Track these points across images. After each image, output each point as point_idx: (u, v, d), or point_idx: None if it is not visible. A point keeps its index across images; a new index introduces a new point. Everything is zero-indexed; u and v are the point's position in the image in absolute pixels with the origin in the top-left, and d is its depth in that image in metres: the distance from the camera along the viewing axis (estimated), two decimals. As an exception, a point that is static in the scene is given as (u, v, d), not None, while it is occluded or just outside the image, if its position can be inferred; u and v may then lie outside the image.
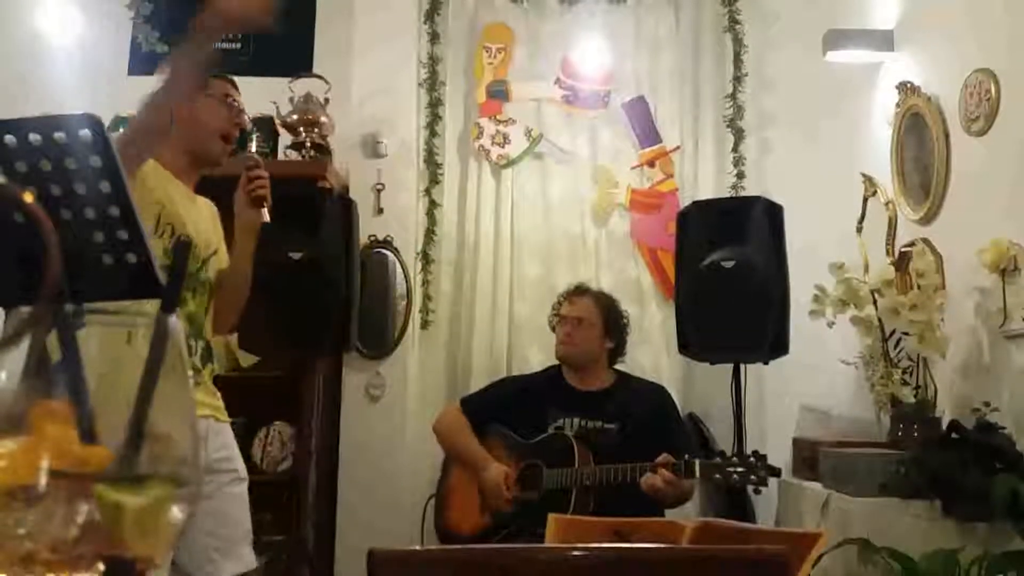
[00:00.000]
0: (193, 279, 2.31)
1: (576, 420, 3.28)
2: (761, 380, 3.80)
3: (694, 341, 3.38)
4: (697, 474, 2.90)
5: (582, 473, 3.11)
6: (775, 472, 2.91)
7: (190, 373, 1.73)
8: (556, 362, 3.50)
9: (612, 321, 3.43)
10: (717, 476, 2.88)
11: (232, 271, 2.42)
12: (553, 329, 3.52)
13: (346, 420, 3.88)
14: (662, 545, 1.31)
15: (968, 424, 2.69)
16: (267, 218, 2.38)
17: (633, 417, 3.26)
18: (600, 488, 3.07)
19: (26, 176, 1.22)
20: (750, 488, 2.96)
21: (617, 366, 3.49)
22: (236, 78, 3.20)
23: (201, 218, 2.39)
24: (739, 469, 2.85)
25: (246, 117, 2.50)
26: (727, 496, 3.47)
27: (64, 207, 1.22)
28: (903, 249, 3.25)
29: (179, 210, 2.28)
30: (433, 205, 4.08)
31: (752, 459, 2.87)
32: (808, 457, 3.24)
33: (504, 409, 3.40)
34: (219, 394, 2.39)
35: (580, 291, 3.50)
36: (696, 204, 3.64)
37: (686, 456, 2.94)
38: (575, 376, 3.41)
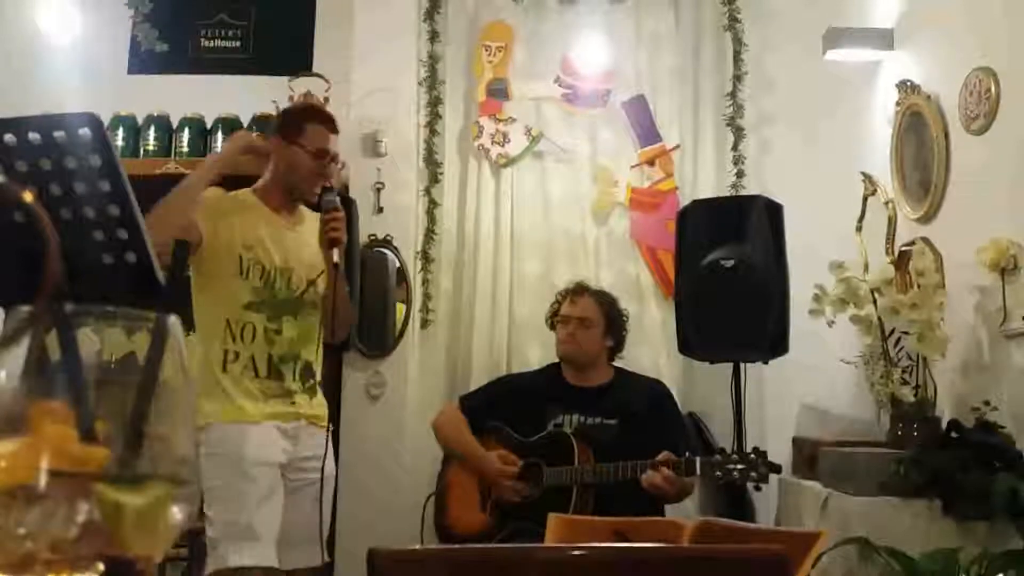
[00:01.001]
0: (295, 304, 2.63)
1: (575, 417, 3.29)
2: (761, 379, 3.80)
3: (694, 340, 3.38)
4: (698, 471, 2.91)
5: (582, 471, 3.11)
6: (775, 468, 2.91)
7: (292, 391, 2.32)
8: (555, 359, 3.51)
9: (613, 320, 3.43)
10: (717, 474, 2.89)
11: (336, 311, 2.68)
12: (552, 327, 3.53)
13: (346, 419, 3.88)
14: (662, 544, 1.31)
15: (968, 423, 2.69)
16: (337, 259, 2.62)
17: (632, 413, 3.26)
18: (600, 485, 3.08)
19: (26, 175, 1.22)
20: (750, 485, 2.96)
21: (617, 363, 3.50)
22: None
23: (299, 246, 2.67)
24: (739, 466, 2.86)
25: (336, 168, 2.80)
26: (727, 495, 3.47)
27: (64, 206, 1.22)
28: (903, 248, 3.24)
29: (267, 247, 2.61)
30: (433, 204, 4.08)
31: (752, 456, 2.87)
32: (808, 456, 3.24)
33: (503, 407, 3.40)
34: (324, 404, 2.73)
35: (581, 290, 3.50)
36: (696, 203, 3.64)
37: (686, 454, 2.95)
38: (574, 373, 3.41)
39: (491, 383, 3.68)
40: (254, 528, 2.45)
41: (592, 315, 3.39)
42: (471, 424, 3.40)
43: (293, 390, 2.63)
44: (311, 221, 2.71)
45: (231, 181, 2.72)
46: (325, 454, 2.62)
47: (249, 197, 2.69)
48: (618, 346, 3.46)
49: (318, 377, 2.73)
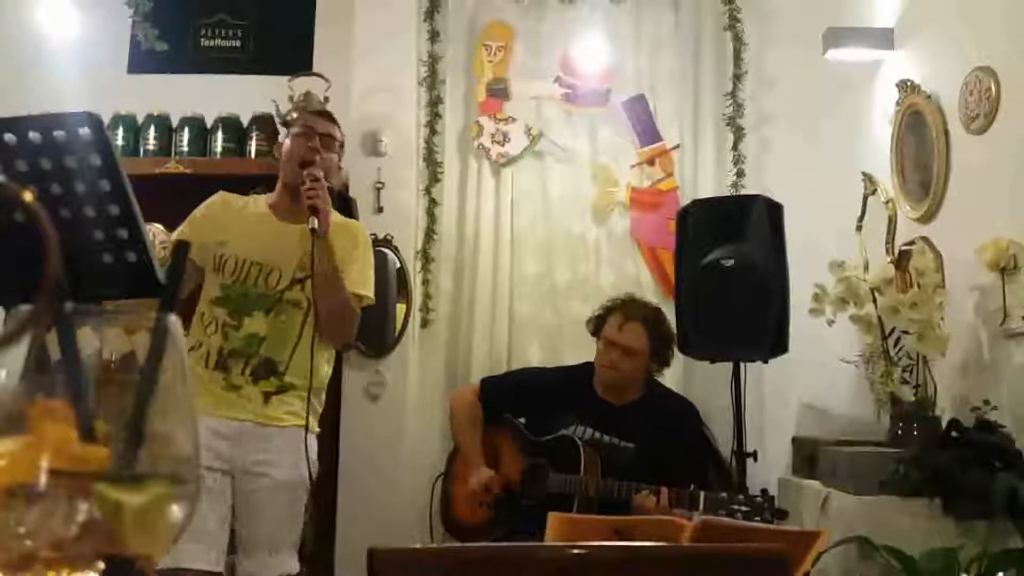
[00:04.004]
0: (269, 300, 2.59)
1: (589, 430, 3.25)
2: (761, 379, 3.80)
3: (694, 340, 3.38)
4: (700, 507, 2.87)
5: (586, 483, 3.10)
6: (782, 514, 2.84)
7: (238, 386, 2.30)
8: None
9: (659, 344, 3.36)
10: (721, 512, 2.85)
11: (315, 290, 2.60)
12: (594, 333, 3.44)
13: (346, 419, 3.88)
14: (662, 544, 1.31)
15: (968, 423, 2.70)
16: (315, 224, 2.55)
17: (650, 438, 3.22)
18: (602, 500, 3.07)
19: (26, 175, 1.22)
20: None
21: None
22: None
23: (290, 243, 2.60)
24: (743, 508, 2.80)
25: (330, 157, 2.76)
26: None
27: (64, 206, 1.22)
28: (903, 247, 3.25)
29: (244, 242, 2.62)
30: (433, 203, 4.08)
31: (759, 499, 2.82)
32: (808, 455, 3.24)
33: (523, 399, 3.39)
34: (288, 406, 2.59)
35: (631, 314, 3.36)
36: (696, 202, 3.64)
37: (691, 487, 2.92)
38: (604, 387, 3.38)
39: (517, 372, 3.66)
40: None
41: (639, 345, 3.31)
42: (487, 409, 3.39)
43: (238, 384, 2.54)
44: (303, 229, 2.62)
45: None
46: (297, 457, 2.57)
47: (255, 201, 2.77)
48: (663, 364, 3.41)
49: (290, 379, 2.59)
